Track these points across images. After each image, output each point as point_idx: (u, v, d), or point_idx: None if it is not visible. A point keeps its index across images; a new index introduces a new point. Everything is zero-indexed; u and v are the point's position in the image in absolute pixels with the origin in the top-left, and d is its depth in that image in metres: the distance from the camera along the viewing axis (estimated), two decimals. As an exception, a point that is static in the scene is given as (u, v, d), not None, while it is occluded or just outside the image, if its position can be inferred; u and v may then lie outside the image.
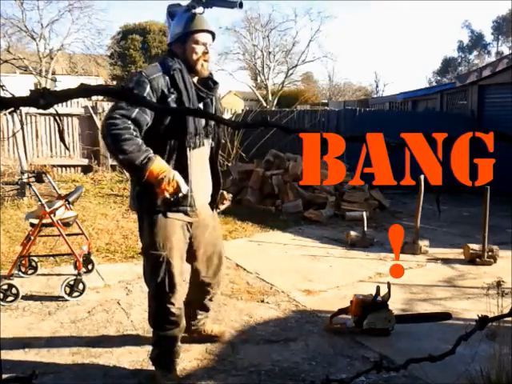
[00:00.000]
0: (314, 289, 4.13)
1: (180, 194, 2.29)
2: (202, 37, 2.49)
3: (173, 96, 2.38)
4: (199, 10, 2.47)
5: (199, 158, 2.55)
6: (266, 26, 27.49)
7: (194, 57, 2.48)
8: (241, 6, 2.54)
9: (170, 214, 2.47)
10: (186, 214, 2.52)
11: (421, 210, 5.35)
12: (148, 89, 2.31)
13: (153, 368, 2.68)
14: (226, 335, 3.14)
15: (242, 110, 11.96)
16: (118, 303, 3.70)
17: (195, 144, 2.48)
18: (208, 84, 2.58)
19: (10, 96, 0.72)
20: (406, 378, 2.68)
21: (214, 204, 2.80)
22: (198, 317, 3.01)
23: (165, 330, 2.58)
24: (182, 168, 2.41)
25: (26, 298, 3.73)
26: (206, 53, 2.51)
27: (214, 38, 2.58)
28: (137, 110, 2.25)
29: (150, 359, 2.71)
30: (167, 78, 2.39)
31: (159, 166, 2.23)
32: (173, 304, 2.52)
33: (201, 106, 2.56)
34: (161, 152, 2.35)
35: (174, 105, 2.37)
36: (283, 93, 27.12)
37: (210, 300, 2.98)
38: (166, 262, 2.47)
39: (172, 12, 2.55)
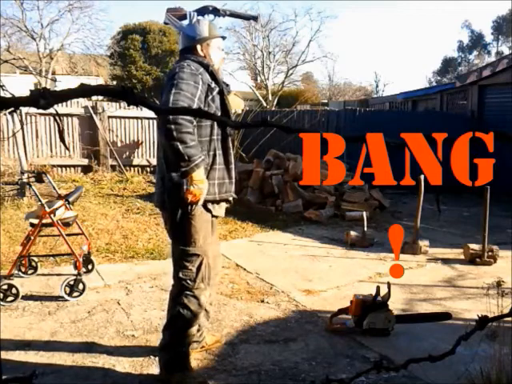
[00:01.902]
0: (314, 289, 4.13)
1: (194, 207, 2.44)
2: (222, 43, 2.72)
3: (217, 89, 2.54)
4: (210, 17, 2.71)
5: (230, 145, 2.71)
6: (266, 25, 27.41)
7: (218, 63, 2.69)
8: (256, 19, 2.82)
9: (213, 207, 2.57)
10: (227, 201, 2.67)
11: (421, 210, 5.35)
12: (200, 81, 2.45)
13: (152, 369, 2.68)
14: (223, 339, 3.12)
15: (242, 110, 11.95)
16: (118, 303, 3.71)
17: (230, 132, 2.66)
18: None
19: (9, 96, 0.72)
20: (406, 378, 2.68)
21: None
22: (201, 327, 2.89)
23: (191, 325, 2.58)
24: (225, 153, 2.59)
25: (26, 298, 3.74)
26: (224, 58, 2.76)
27: None
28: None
29: (165, 366, 2.59)
30: (207, 73, 2.53)
31: (200, 174, 2.37)
32: (204, 296, 2.59)
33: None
34: (209, 137, 2.51)
35: (217, 96, 2.55)
36: (283, 93, 27.07)
37: (210, 303, 2.93)
38: (206, 257, 2.57)
39: (182, 16, 2.71)
